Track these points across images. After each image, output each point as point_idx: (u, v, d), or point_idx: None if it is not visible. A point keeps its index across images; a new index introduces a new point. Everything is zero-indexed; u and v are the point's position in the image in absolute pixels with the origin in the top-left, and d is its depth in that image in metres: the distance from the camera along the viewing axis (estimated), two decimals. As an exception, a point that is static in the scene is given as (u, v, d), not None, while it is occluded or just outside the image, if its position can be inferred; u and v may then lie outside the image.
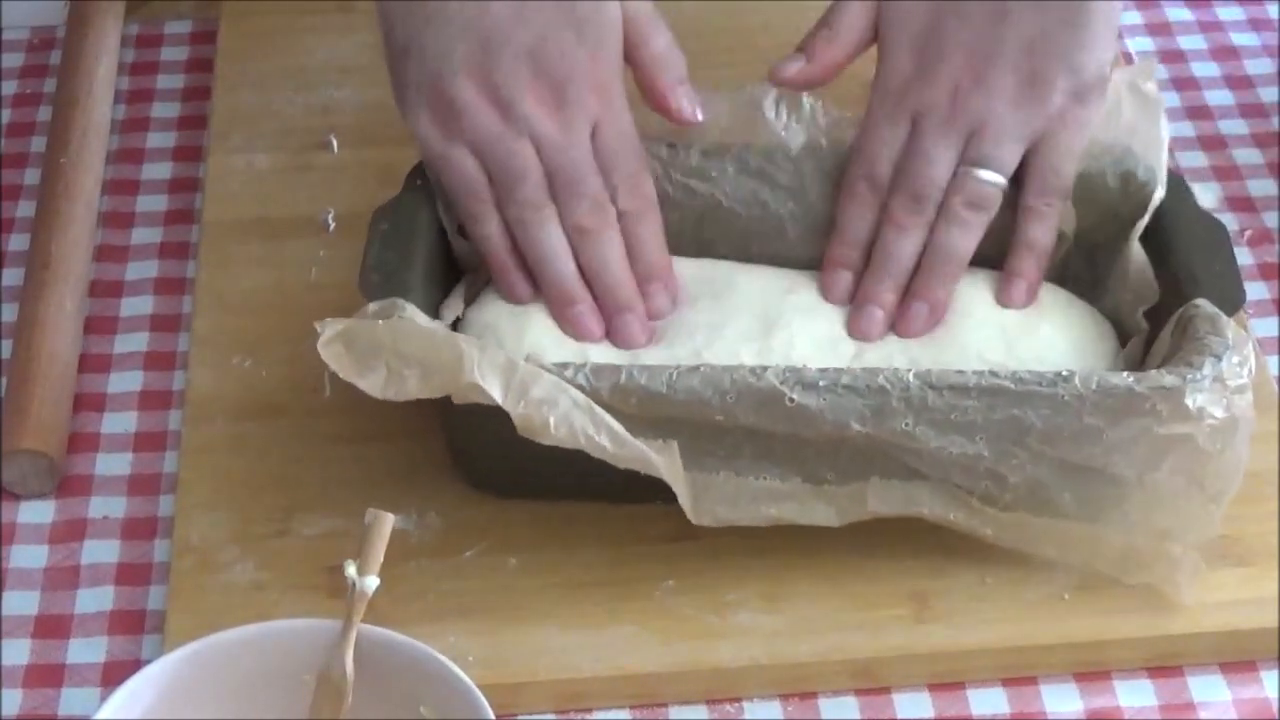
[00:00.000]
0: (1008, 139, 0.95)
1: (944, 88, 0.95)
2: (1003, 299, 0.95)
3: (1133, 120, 0.97)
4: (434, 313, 0.91)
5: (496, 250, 0.93)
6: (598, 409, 0.84)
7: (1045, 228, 0.96)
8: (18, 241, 1.08)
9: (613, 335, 0.93)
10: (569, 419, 0.84)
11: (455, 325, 0.93)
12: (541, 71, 0.92)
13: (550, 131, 0.92)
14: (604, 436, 0.84)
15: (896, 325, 0.95)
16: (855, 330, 0.95)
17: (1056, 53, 0.94)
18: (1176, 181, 0.96)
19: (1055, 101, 0.94)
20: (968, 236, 0.95)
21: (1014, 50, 0.94)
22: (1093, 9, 0.94)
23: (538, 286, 0.94)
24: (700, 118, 0.97)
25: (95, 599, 0.91)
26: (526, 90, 0.92)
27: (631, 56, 0.95)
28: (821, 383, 0.85)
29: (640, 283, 0.94)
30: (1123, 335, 0.94)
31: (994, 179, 0.95)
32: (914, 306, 0.95)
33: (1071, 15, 0.94)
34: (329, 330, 0.86)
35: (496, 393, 0.84)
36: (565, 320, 0.93)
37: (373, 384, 0.85)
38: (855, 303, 0.95)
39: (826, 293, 0.96)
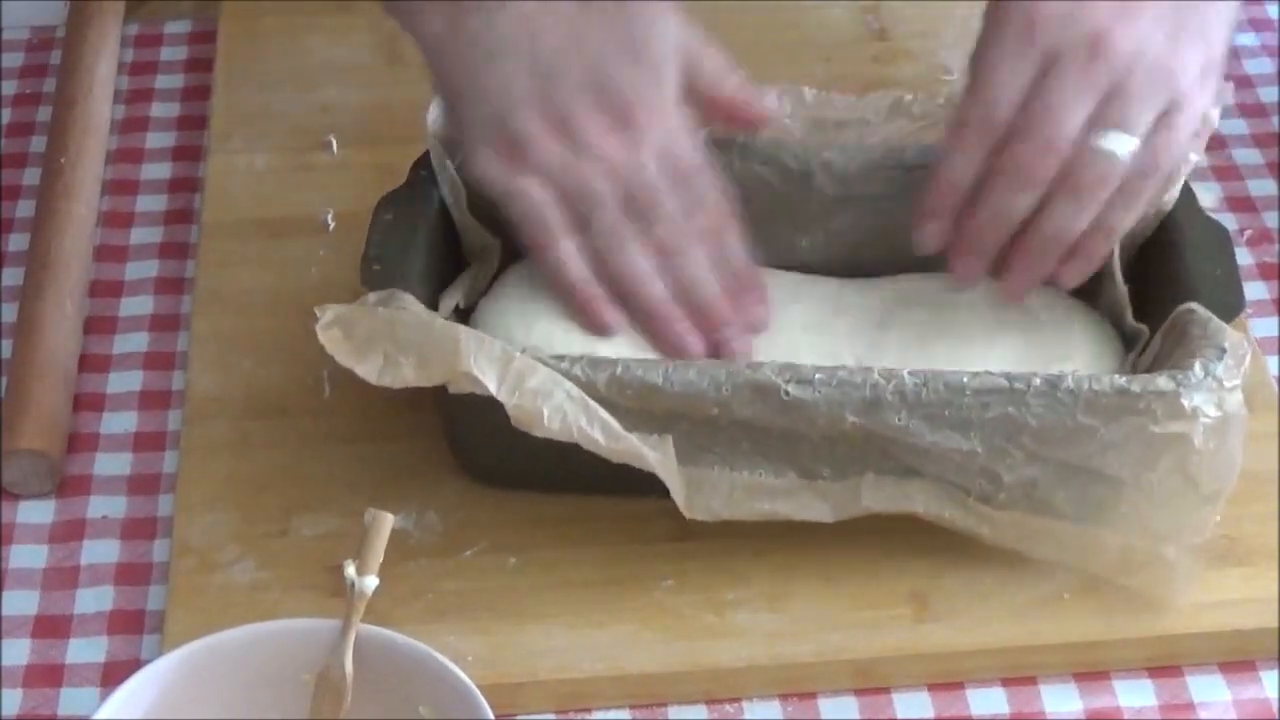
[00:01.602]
0: (1150, 101, 0.85)
1: (1088, 28, 0.84)
2: (1061, 279, 0.90)
3: None
4: (434, 304, 0.91)
5: (578, 279, 0.90)
6: (592, 402, 0.84)
7: (1131, 211, 0.88)
8: (18, 241, 1.08)
9: (716, 351, 0.91)
10: (562, 411, 0.84)
11: (462, 317, 0.93)
12: (604, 97, 0.90)
13: (619, 156, 0.90)
14: (597, 430, 0.84)
15: (1001, 287, 0.90)
16: (958, 275, 0.90)
17: (1195, 16, 0.86)
18: (1182, 188, 0.94)
19: (1189, 71, 0.85)
20: (1085, 216, 0.86)
21: (1163, 3, 0.85)
22: None
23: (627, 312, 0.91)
24: (781, 108, 0.94)
25: (95, 599, 0.91)
26: (591, 117, 0.89)
27: (691, 78, 0.92)
28: (817, 376, 0.85)
29: (732, 295, 0.92)
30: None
31: (1132, 147, 0.85)
32: (1021, 278, 0.89)
33: None
34: (328, 315, 0.86)
35: (491, 383, 0.84)
36: (666, 341, 0.91)
37: (369, 370, 0.85)
38: (958, 249, 0.90)
39: (919, 245, 0.91)
